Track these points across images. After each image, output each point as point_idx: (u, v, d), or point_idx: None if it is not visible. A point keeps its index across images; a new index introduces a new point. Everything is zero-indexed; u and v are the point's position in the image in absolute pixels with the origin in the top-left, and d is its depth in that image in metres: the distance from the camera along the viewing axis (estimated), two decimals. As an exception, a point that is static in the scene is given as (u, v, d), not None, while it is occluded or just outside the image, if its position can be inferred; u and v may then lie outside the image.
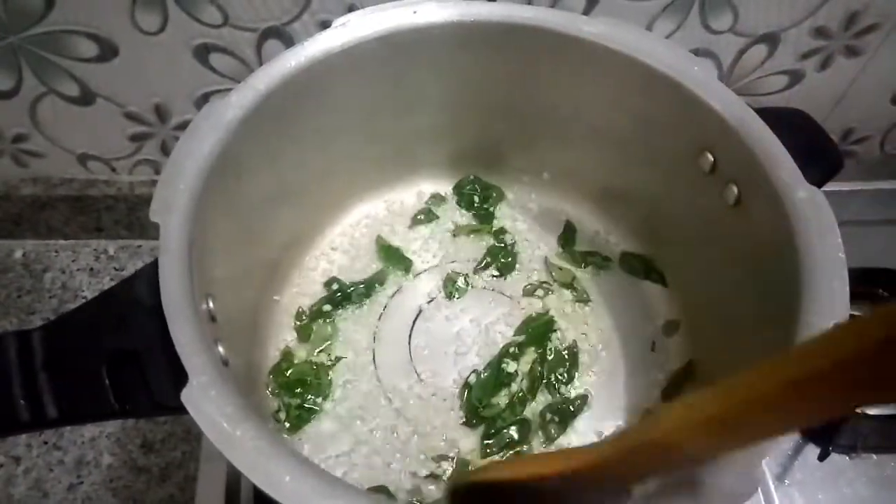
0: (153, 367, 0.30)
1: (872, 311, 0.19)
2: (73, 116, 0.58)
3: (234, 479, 0.45)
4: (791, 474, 0.49)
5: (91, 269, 0.66)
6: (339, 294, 0.46)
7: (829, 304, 0.31)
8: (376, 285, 0.47)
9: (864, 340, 0.19)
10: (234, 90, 0.37)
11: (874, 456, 0.49)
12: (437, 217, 0.51)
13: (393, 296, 0.47)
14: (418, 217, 0.51)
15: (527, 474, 0.31)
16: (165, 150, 0.62)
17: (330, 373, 0.44)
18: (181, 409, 0.27)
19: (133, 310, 0.30)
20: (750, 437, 0.25)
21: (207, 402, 0.27)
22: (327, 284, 0.47)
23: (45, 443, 0.56)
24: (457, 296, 0.47)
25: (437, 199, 0.52)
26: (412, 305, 0.47)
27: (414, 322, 0.46)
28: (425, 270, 0.49)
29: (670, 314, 0.46)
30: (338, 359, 0.44)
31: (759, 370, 0.23)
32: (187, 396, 0.27)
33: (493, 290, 0.48)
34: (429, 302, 0.47)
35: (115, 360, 0.30)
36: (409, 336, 0.46)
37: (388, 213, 0.51)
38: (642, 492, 0.28)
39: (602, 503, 0.31)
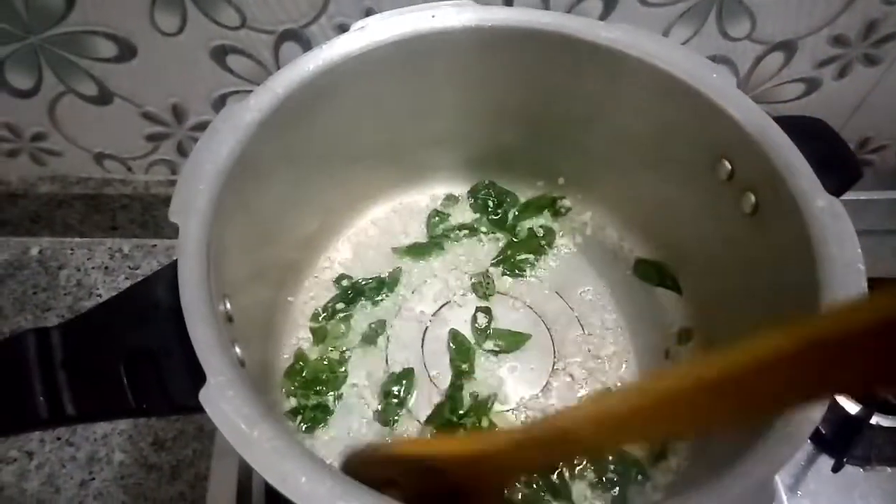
0: (170, 367, 0.30)
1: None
2: (90, 116, 0.58)
3: (245, 477, 0.46)
4: (804, 485, 0.48)
5: (106, 267, 0.66)
6: (350, 291, 0.47)
7: (847, 315, 0.31)
8: (386, 283, 0.47)
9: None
10: (253, 93, 0.37)
11: (888, 468, 0.49)
12: (451, 220, 0.51)
13: (407, 298, 0.48)
14: (432, 219, 0.51)
15: (428, 452, 0.31)
16: (181, 151, 0.62)
17: (344, 366, 0.44)
18: (197, 409, 0.28)
19: (151, 310, 0.31)
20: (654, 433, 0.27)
21: (225, 402, 0.27)
22: (337, 281, 0.47)
23: (58, 439, 0.57)
24: (470, 298, 0.48)
25: (451, 199, 0.52)
26: (425, 308, 0.47)
27: (427, 325, 0.47)
28: (436, 275, 0.49)
29: (684, 322, 0.46)
30: (347, 350, 0.45)
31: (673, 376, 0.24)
32: (205, 396, 0.27)
33: (506, 294, 0.48)
34: (442, 305, 0.47)
35: (133, 359, 0.30)
36: (423, 338, 0.46)
37: (403, 215, 0.51)
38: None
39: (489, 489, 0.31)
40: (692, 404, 0.23)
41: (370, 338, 0.45)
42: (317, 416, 0.42)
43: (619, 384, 0.44)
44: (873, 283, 0.32)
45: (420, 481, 0.31)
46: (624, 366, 0.45)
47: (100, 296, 0.64)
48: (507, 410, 0.43)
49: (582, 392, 0.44)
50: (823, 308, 0.31)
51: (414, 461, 0.31)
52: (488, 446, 0.30)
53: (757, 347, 0.21)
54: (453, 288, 0.48)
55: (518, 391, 0.44)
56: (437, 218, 0.51)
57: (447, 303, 0.48)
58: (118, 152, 0.62)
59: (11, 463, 0.55)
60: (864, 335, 0.19)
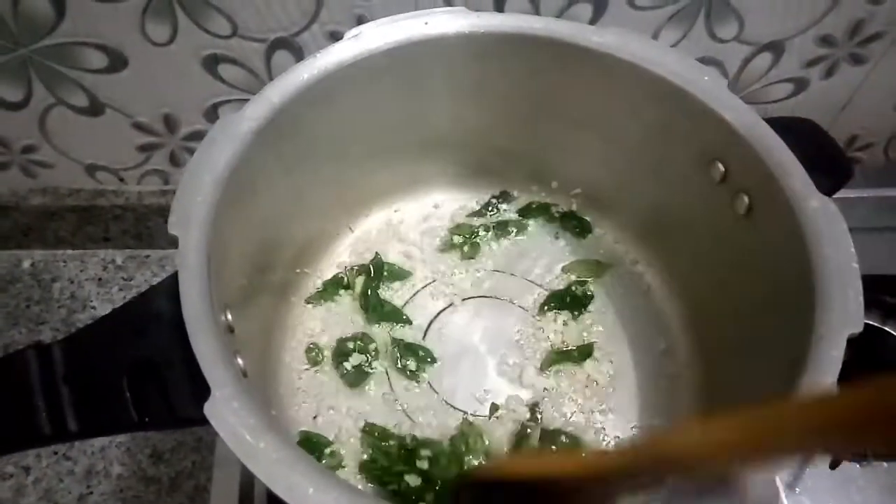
0: (173, 380, 0.30)
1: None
2: (81, 127, 0.58)
3: (247, 488, 0.46)
4: (802, 482, 0.49)
5: (99, 279, 0.66)
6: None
7: (843, 314, 0.31)
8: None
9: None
10: (249, 102, 0.38)
11: (885, 464, 0.50)
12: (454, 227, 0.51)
13: (407, 302, 0.48)
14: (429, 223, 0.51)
15: (537, 473, 0.31)
16: (174, 161, 0.62)
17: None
18: (201, 421, 0.28)
19: (153, 322, 0.31)
20: (760, 461, 0.26)
21: (230, 414, 0.27)
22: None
23: (55, 453, 0.56)
24: (470, 301, 0.48)
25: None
26: (425, 313, 0.48)
27: (427, 329, 0.47)
28: (434, 280, 0.49)
29: (680, 323, 0.46)
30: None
31: (778, 409, 0.25)
32: (210, 409, 0.27)
33: (505, 299, 0.48)
34: (444, 308, 0.48)
35: (136, 373, 0.30)
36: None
37: (400, 222, 0.51)
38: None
39: None
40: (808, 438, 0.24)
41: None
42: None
43: (615, 387, 0.45)
44: (864, 280, 0.33)
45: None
46: (620, 367, 0.45)
47: (94, 308, 0.64)
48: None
49: (578, 393, 0.44)
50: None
51: (517, 482, 0.31)
52: (594, 468, 0.29)
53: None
54: (457, 293, 0.49)
55: (517, 392, 0.44)
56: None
57: (450, 305, 0.48)
58: (110, 163, 0.62)
59: (8, 479, 0.55)
60: None
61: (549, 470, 0.31)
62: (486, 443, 0.42)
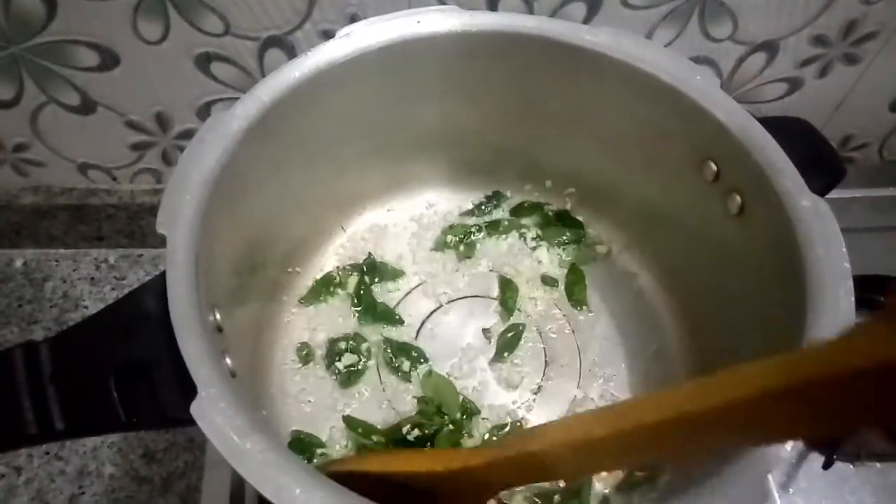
0: (161, 379, 0.30)
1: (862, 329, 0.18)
2: (73, 125, 0.58)
3: (237, 488, 0.45)
4: (795, 483, 0.49)
5: (92, 278, 0.66)
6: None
7: (834, 314, 0.31)
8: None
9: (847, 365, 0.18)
10: (239, 101, 0.37)
11: (878, 464, 0.50)
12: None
13: (400, 301, 0.48)
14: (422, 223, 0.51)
15: (401, 469, 0.32)
16: (166, 159, 0.62)
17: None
18: (189, 422, 0.27)
19: (141, 322, 0.30)
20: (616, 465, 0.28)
21: (217, 415, 0.27)
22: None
23: (47, 453, 0.56)
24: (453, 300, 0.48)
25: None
26: (418, 312, 0.47)
27: (419, 329, 0.47)
28: (427, 280, 0.49)
29: (672, 321, 0.46)
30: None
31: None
32: (197, 409, 0.27)
33: (497, 299, 0.48)
34: (436, 308, 0.48)
35: (123, 373, 0.30)
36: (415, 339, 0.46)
37: (393, 221, 0.51)
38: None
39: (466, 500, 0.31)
40: (674, 435, 0.22)
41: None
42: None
43: (607, 386, 0.45)
44: (857, 280, 0.32)
45: (393, 491, 0.31)
46: (612, 367, 0.45)
47: (86, 307, 0.64)
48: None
49: (574, 393, 0.44)
50: (809, 340, 0.30)
51: (384, 476, 0.32)
52: (460, 464, 0.30)
53: (742, 381, 0.20)
54: (446, 295, 0.48)
55: (508, 392, 0.44)
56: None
57: (440, 306, 0.48)
58: (102, 162, 0.62)
59: (-1, 479, 0.55)
60: (856, 378, 0.18)
61: (414, 466, 0.32)
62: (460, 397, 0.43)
